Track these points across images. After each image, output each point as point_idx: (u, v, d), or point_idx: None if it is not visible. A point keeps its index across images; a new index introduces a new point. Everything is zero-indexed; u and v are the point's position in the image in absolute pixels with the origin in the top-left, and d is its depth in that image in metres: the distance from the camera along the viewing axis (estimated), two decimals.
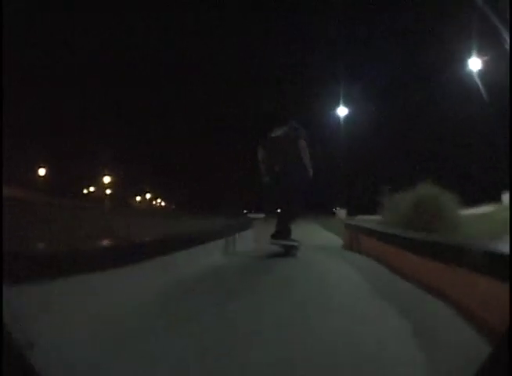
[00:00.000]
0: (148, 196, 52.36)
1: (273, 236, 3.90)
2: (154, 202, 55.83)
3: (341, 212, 22.99)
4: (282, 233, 3.89)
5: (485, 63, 13.48)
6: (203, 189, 43.87)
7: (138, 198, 50.73)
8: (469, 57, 15.19)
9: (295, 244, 3.96)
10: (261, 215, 13.80)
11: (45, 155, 30.86)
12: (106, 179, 40.47)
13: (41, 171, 33.05)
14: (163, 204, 56.95)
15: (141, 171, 43.56)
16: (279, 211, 4.21)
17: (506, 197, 8.44)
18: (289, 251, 3.91)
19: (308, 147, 3.92)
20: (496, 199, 8.82)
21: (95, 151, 35.49)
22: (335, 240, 6.69)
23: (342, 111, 23.63)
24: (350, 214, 24.34)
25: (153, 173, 44.48)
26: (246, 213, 16.47)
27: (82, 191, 40.62)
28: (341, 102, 23.32)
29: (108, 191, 41.70)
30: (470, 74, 12.83)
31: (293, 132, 3.95)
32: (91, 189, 41.57)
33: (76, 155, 33.19)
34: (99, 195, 40.28)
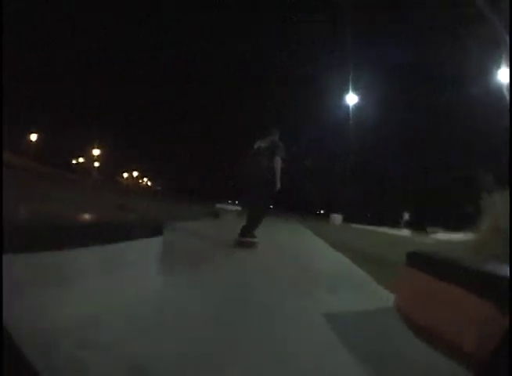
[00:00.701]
0: (135, 174, 51.99)
1: (239, 234, 4.52)
2: (141, 181, 55.52)
3: (337, 218, 20.79)
4: (246, 232, 4.52)
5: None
6: (191, 175, 44.21)
7: (125, 175, 50.40)
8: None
9: (255, 240, 4.57)
10: (235, 208, 12.54)
11: (37, 120, 30.16)
12: (96, 152, 39.99)
13: (33, 137, 32.40)
14: (149, 183, 56.77)
15: (132, 148, 43.31)
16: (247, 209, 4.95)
17: None
18: (250, 246, 4.45)
19: (282, 163, 4.53)
20: None
21: (88, 122, 34.96)
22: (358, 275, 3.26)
23: (351, 99, 21.17)
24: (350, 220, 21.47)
25: (142, 152, 44.29)
26: (221, 203, 14.58)
27: (72, 161, 40.19)
28: (350, 88, 20.68)
29: (96, 164, 41.31)
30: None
31: (273, 148, 4.52)
32: (81, 159, 41.03)
33: (68, 123, 32.58)
34: (88, 166, 39.96)
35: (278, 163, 4.46)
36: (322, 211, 45.17)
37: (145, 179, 56.97)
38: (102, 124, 38.00)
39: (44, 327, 1.07)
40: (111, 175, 43.53)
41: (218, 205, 12.36)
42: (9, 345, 0.61)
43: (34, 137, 32.30)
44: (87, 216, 1.94)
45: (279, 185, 4.46)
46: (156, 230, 2.03)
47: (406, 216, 18.33)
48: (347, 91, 20.70)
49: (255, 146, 4.71)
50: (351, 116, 21.89)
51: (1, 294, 0.70)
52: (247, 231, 4.48)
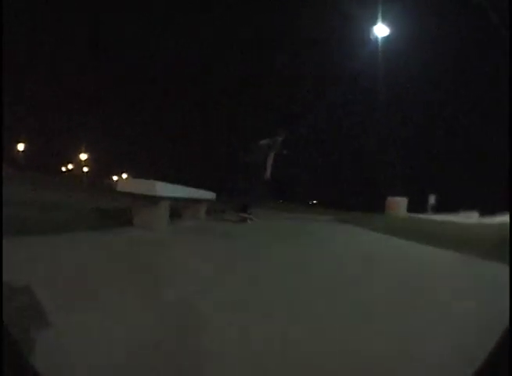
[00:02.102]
0: (124, 176, 51.34)
1: (236, 210, 6.04)
2: None
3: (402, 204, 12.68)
4: (243, 208, 5.90)
5: None
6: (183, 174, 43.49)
7: (115, 178, 49.71)
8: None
9: (250, 216, 5.96)
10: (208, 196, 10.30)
11: (23, 130, 29.81)
12: (83, 156, 39.52)
13: (20, 146, 31.91)
14: None
15: (120, 150, 42.91)
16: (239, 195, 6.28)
17: None
18: (244, 221, 5.82)
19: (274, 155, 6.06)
20: None
21: (74, 127, 34.62)
22: None
23: (381, 30, 14.39)
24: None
25: (131, 152, 43.91)
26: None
27: (61, 168, 39.60)
28: (380, 18, 14.37)
29: (85, 169, 40.79)
30: None
31: (270, 147, 5.99)
32: (70, 166, 40.54)
33: (55, 131, 32.27)
34: (78, 173, 39.41)
35: (271, 159, 5.93)
36: (314, 202, 44.80)
37: None
38: (88, 128, 37.68)
39: None
40: (100, 179, 42.76)
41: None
42: (9, 344, 0.60)
43: (21, 147, 31.86)
44: None
45: (268, 175, 5.91)
46: None
47: (432, 199, 15.16)
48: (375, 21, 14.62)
49: (259, 143, 6.05)
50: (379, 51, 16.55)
51: (1, 294, 0.69)
52: (244, 210, 5.90)
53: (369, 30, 15.12)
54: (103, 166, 42.74)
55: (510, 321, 1.16)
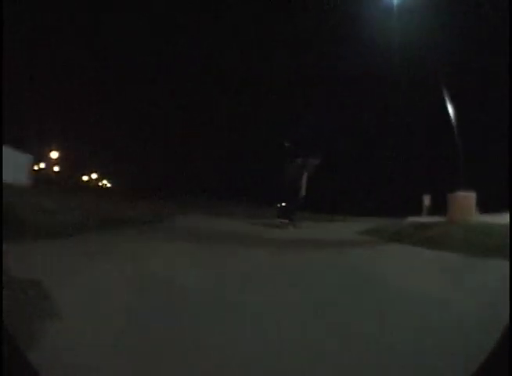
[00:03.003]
0: (94, 176, 50.02)
1: (278, 216, 7.06)
2: (100, 184, 53.59)
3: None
4: (285, 215, 6.91)
5: None
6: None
7: (85, 178, 48.35)
8: None
9: (286, 221, 6.96)
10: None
11: None
12: (54, 154, 38.19)
13: None
14: (108, 185, 54.61)
15: (91, 148, 41.61)
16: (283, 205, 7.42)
17: None
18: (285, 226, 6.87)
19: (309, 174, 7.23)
20: None
21: (44, 124, 33.49)
22: None
23: None
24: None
25: (102, 152, 42.62)
26: None
27: (33, 167, 38.33)
28: None
29: (56, 168, 39.70)
30: None
31: (304, 167, 7.01)
32: (42, 165, 39.32)
33: (25, 126, 31.43)
34: (49, 172, 38.32)
35: (305, 178, 6.98)
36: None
37: (104, 181, 54.96)
38: (59, 125, 36.30)
39: None
40: (69, 178, 41.45)
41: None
42: (9, 344, 0.60)
43: None
44: None
45: (304, 193, 6.99)
46: None
47: (427, 200, 14.17)
48: None
49: (295, 162, 7.10)
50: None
51: (1, 293, 0.70)
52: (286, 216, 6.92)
53: None
54: (74, 165, 41.38)
55: (510, 321, 1.17)
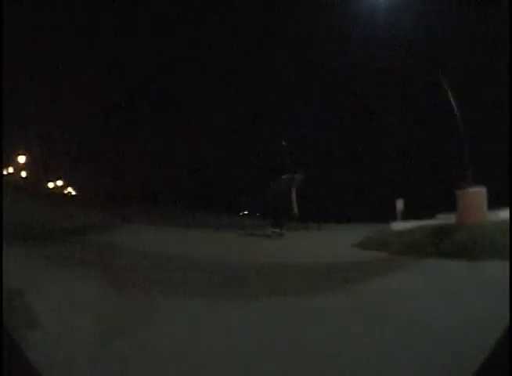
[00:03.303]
0: (59, 183, 48.21)
1: (271, 226, 6.61)
2: (66, 191, 51.89)
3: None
4: (276, 225, 6.57)
5: None
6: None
7: (50, 185, 46.48)
8: None
9: (278, 231, 6.60)
10: None
11: None
12: (21, 159, 37.14)
13: None
14: (73, 193, 52.77)
15: (57, 153, 40.28)
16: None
17: None
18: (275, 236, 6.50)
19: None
20: None
21: (12, 126, 32.56)
22: None
23: None
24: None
25: (68, 158, 41.40)
26: None
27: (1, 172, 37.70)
28: None
29: (23, 174, 38.64)
30: None
31: (292, 182, 6.68)
32: (10, 170, 38.40)
33: None
34: (18, 178, 37.20)
35: (294, 193, 6.66)
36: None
37: (69, 189, 53.47)
38: (26, 127, 35.30)
39: None
40: (35, 185, 40.13)
41: None
42: (9, 344, 0.59)
43: None
44: None
45: (296, 209, 6.66)
46: None
47: (400, 204, 13.71)
48: None
49: (281, 178, 6.78)
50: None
51: (1, 295, 0.69)
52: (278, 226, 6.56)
53: None
54: (41, 171, 40.18)
55: (510, 321, 1.16)
